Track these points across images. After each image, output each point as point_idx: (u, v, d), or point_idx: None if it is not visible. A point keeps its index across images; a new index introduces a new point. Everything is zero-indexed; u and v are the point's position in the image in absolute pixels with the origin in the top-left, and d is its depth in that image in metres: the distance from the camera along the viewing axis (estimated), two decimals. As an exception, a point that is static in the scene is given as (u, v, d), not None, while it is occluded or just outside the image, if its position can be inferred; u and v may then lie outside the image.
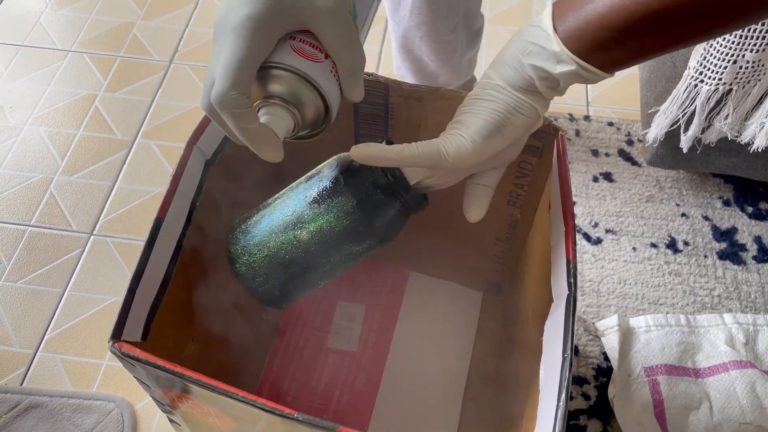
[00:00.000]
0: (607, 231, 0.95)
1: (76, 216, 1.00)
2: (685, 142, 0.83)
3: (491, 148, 0.44)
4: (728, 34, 0.70)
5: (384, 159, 0.45)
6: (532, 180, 0.63)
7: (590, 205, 0.98)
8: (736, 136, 0.81)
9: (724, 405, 0.76)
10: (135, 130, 1.11)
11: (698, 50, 0.74)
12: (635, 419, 0.76)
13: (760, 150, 0.80)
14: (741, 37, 0.69)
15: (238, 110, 0.40)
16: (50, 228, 0.99)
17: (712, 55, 0.72)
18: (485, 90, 0.44)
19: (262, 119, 0.42)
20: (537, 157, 0.60)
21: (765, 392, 0.76)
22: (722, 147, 0.87)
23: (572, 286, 0.46)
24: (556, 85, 0.43)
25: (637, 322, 0.83)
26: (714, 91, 0.75)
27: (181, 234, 0.53)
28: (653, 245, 0.94)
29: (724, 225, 0.95)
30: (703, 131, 0.82)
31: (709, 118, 0.79)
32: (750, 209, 0.97)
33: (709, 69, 0.74)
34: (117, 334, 0.45)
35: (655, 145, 0.89)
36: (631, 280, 0.90)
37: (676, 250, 0.93)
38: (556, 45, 0.41)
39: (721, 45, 0.71)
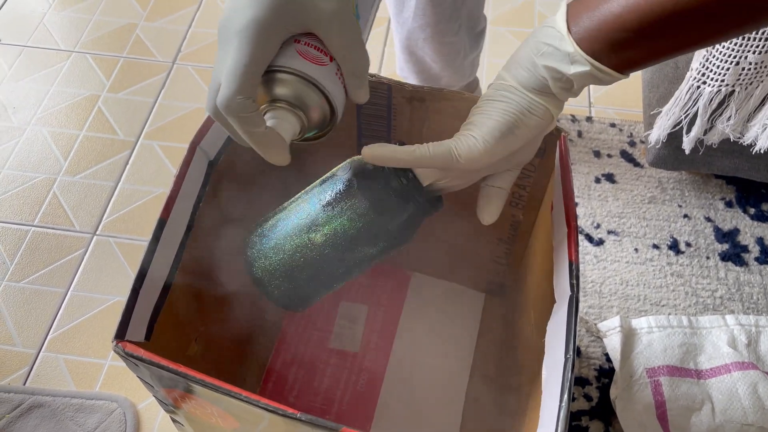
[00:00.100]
0: (609, 232, 0.95)
1: (79, 216, 1.00)
2: (687, 143, 0.83)
3: (503, 149, 0.44)
4: (731, 36, 0.70)
5: (395, 159, 0.45)
6: (535, 181, 0.63)
7: (592, 206, 0.98)
8: (739, 138, 0.81)
9: (726, 406, 0.76)
10: (138, 131, 1.11)
11: (701, 52, 0.74)
12: (637, 420, 0.76)
13: (762, 151, 0.80)
14: (743, 38, 0.70)
15: (245, 114, 0.40)
16: (53, 228, 0.99)
17: (714, 56, 0.72)
18: (498, 91, 0.44)
19: (269, 123, 0.42)
20: (539, 158, 0.60)
21: (767, 393, 0.76)
22: (724, 148, 0.87)
23: (574, 287, 0.46)
24: (570, 86, 0.43)
25: (639, 323, 0.83)
26: (716, 92, 0.75)
27: (185, 235, 0.53)
28: (655, 246, 0.94)
29: (727, 226, 0.95)
30: (705, 133, 0.82)
31: (712, 120, 0.80)
32: (752, 210, 0.97)
33: (711, 71, 0.74)
34: (121, 334, 0.45)
35: (657, 147, 0.89)
36: (633, 281, 0.90)
37: (678, 252, 0.93)
38: (570, 45, 0.41)
39: (723, 47, 0.71)
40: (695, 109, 0.78)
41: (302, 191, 0.51)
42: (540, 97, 0.44)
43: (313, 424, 0.41)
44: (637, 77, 1.12)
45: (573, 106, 1.11)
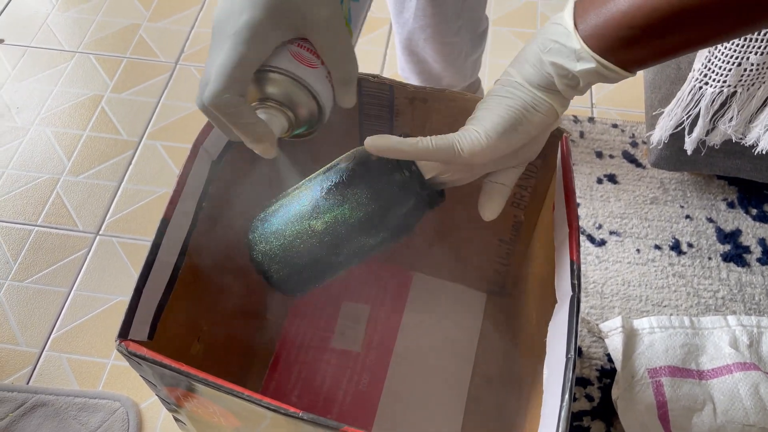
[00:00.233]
0: (611, 233, 0.95)
1: (83, 216, 1.01)
2: (689, 144, 0.83)
3: (506, 145, 0.44)
4: (733, 37, 0.70)
5: (398, 151, 0.45)
6: (536, 181, 0.63)
7: (594, 206, 0.98)
8: (741, 139, 0.81)
9: (727, 407, 0.76)
10: (141, 131, 1.11)
11: (703, 52, 0.74)
12: (639, 421, 0.76)
13: (764, 152, 0.80)
14: (746, 39, 0.70)
15: (232, 110, 0.41)
16: (56, 228, 1.00)
17: (716, 57, 0.73)
18: (504, 87, 0.45)
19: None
20: (541, 159, 0.60)
21: (769, 394, 0.76)
22: (726, 149, 0.87)
23: (576, 288, 0.46)
24: (576, 83, 0.43)
25: (641, 323, 0.83)
26: (718, 93, 0.75)
27: (188, 234, 0.54)
28: (657, 247, 0.94)
29: (729, 227, 0.95)
30: (707, 133, 0.82)
31: (714, 121, 0.80)
32: (754, 211, 0.97)
33: (713, 71, 0.74)
34: (124, 333, 0.45)
35: (659, 147, 0.89)
36: (635, 281, 0.90)
37: (680, 252, 0.93)
38: (576, 42, 0.41)
39: (725, 47, 0.71)
40: (697, 109, 0.78)
41: (305, 179, 0.52)
42: (545, 94, 0.44)
43: (315, 423, 0.41)
44: (639, 78, 1.13)
45: (575, 106, 1.11)
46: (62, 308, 0.91)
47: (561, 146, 0.55)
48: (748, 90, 0.75)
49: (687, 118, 0.80)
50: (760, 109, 0.77)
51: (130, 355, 0.44)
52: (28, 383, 0.85)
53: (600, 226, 0.96)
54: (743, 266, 0.92)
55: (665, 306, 0.88)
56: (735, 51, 0.71)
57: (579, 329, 0.45)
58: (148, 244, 0.50)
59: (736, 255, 0.93)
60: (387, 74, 1.09)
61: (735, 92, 0.75)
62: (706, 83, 0.75)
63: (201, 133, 0.55)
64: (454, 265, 0.82)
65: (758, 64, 0.71)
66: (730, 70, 0.72)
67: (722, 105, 0.77)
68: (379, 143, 0.45)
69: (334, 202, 0.48)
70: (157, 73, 1.20)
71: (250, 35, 0.40)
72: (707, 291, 0.89)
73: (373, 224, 0.48)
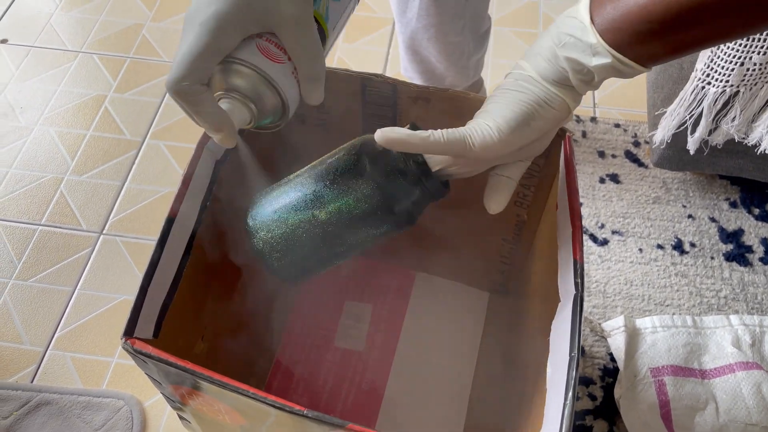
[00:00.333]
0: (614, 232, 0.95)
1: (86, 215, 1.01)
2: (692, 143, 0.83)
3: (518, 139, 0.44)
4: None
5: (408, 144, 0.44)
6: (539, 181, 0.63)
7: (597, 206, 0.98)
8: (743, 138, 0.81)
9: (730, 406, 0.76)
10: (144, 131, 1.12)
11: (705, 52, 0.74)
12: (641, 420, 0.76)
13: (767, 151, 0.80)
14: (748, 39, 0.70)
15: (191, 98, 0.41)
16: (60, 227, 1.00)
17: (719, 57, 0.73)
18: (516, 81, 0.44)
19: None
20: (544, 158, 0.60)
21: (771, 394, 0.76)
22: (729, 149, 0.87)
23: (579, 286, 0.46)
24: (591, 78, 0.43)
25: (644, 323, 0.83)
26: (721, 93, 0.75)
27: (192, 233, 0.54)
28: (660, 246, 0.94)
29: (731, 227, 0.96)
30: (710, 133, 0.82)
31: (716, 120, 0.80)
32: (757, 211, 0.97)
33: (716, 71, 0.74)
34: (129, 331, 0.46)
35: (662, 147, 0.89)
36: (637, 281, 0.90)
37: (682, 252, 0.93)
38: (593, 36, 0.40)
39: (728, 47, 0.71)
40: (700, 109, 0.78)
41: (308, 166, 0.51)
42: (559, 89, 0.43)
43: (319, 421, 0.41)
44: (641, 77, 1.13)
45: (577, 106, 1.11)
46: (66, 307, 0.92)
47: (564, 146, 0.55)
48: (750, 90, 0.75)
49: (689, 118, 0.80)
50: (762, 109, 0.77)
51: (136, 353, 0.45)
52: (32, 382, 0.85)
53: (602, 226, 0.96)
54: (746, 266, 0.92)
55: (668, 305, 0.88)
56: (738, 51, 0.71)
57: (582, 328, 0.45)
58: (152, 244, 0.50)
59: (739, 254, 0.93)
60: (390, 74, 1.09)
61: (738, 92, 0.75)
62: (709, 83, 0.75)
63: (205, 132, 0.55)
64: (457, 265, 0.82)
65: (761, 64, 0.71)
66: (732, 69, 0.72)
67: (725, 104, 0.77)
68: (390, 136, 0.44)
69: (339, 192, 0.47)
70: (160, 73, 1.20)
71: (214, 26, 0.41)
72: (710, 290, 0.89)
73: (377, 215, 0.48)
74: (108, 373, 0.86)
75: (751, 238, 0.94)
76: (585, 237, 0.95)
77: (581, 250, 0.48)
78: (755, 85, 0.74)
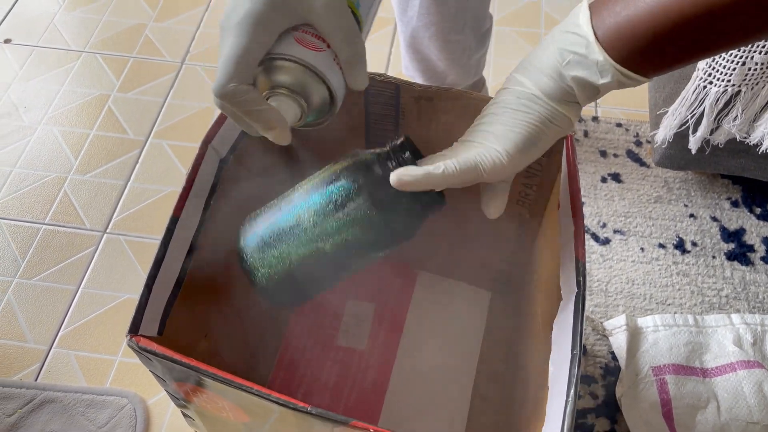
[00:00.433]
0: (616, 231, 0.96)
1: (90, 214, 1.02)
2: (693, 143, 0.83)
3: (526, 160, 0.44)
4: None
5: (428, 185, 0.44)
6: (541, 180, 0.63)
7: (598, 205, 0.98)
8: (745, 138, 0.81)
9: (731, 405, 0.76)
10: (147, 130, 1.12)
11: (707, 52, 0.74)
12: (643, 418, 0.76)
13: (768, 151, 0.80)
14: (750, 38, 0.70)
15: (239, 98, 0.42)
16: (64, 226, 1.00)
17: (721, 56, 0.73)
18: (519, 99, 0.44)
19: None
20: (546, 158, 0.60)
21: (773, 392, 0.77)
22: (731, 148, 0.87)
23: (581, 285, 0.46)
24: (596, 93, 0.43)
25: (645, 321, 0.83)
26: (723, 92, 0.75)
27: (196, 232, 0.54)
28: (661, 246, 0.94)
29: (733, 226, 0.96)
30: (711, 132, 0.82)
31: (718, 120, 0.80)
32: (758, 210, 0.97)
33: (717, 71, 0.74)
34: (134, 329, 0.46)
35: (663, 146, 0.89)
36: (639, 280, 0.91)
37: (684, 251, 0.93)
38: (599, 54, 0.40)
39: (729, 46, 0.71)
40: (701, 109, 0.78)
41: (301, 191, 0.49)
42: (563, 107, 0.43)
43: (323, 418, 0.42)
44: (643, 77, 1.13)
45: (579, 105, 1.11)
46: (70, 306, 0.92)
47: (566, 145, 0.55)
48: (752, 89, 0.75)
49: (691, 117, 0.80)
50: (764, 108, 0.77)
51: (141, 351, 0.45)
52: (36, 380, 0.85)
53: (604, 225, 0.96)
54: (747, 265, 0.92)
55: (669, 304, 0.88)
56: (739, 50, 0.71)
57: (584, 327, 0.45)
58: (155, 242, 0.50)
59: (740, 254, 0.93)
60: (392, 73, 1.09)
61: (739, 91, 0.75)
62: (711, 82, 0.75)
63: (209, 131, 0.55)
64: (459, 264, 0.82)
65: (762, 64, 0.71)
66: (734, 69, 0.72)
67: (726, 104, 0.77)
68: (406, 179, 0.44)
69: (343, 224, 0.46)
70: (163, 73, 1.21)
71: (250, 25, 0.41)
72: (711, 289, 0.90)
73: (383, 237, 0.48)
74: (111, 371, 0.86)
75: (752, 238, 0.94)
76: (587, 236, 0.95)
77: (583, 249, 0.48)
78: (757, 84, 0.74)
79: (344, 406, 0.77)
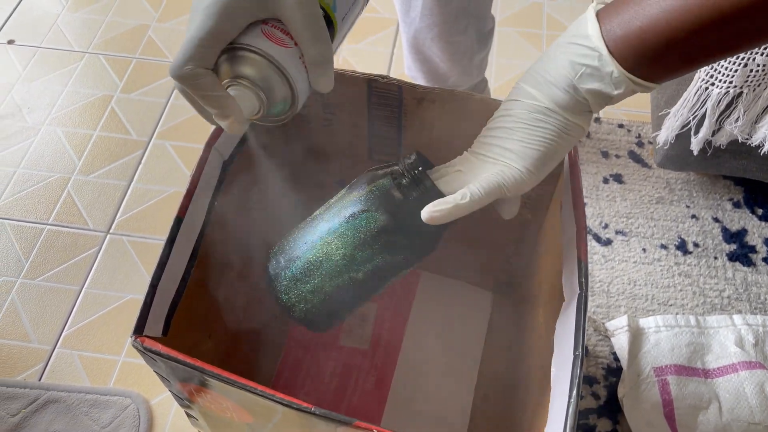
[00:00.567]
0: (617, 232, 0.96)
1: (93, 215, 1.02)
2: (695, 144, 0.84)
3: (545, 173, 0.45)
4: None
5: (458, 215, 0.45)
6: (544, 181, 0.63)
7: (600, 206, 0.98)
8: (747, 139, 0.81)
9: (733, 405, 0.76)
10: (150, 131, 1.13)
11: (709, 53, 0.74)
12: (645, 419, 0.76)
13: (770, 152, 0.80)
14: (751, 40, 0.70)
15: (194, 81, 0.41)
16: (67, 227, 1.01)
17: (722, 58, 0.73)
18: (533, 114, 0.44)
19: None
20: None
21: (774, 393, 0.77)
22: (732, 149, 0.88)
23: (583, 285, 0.46)
24: (608, 101, 0.43)
25: (647, 322, 0.84)
26: (724, 94, 0.76)
27: (200, 233, 0.54)
28: (663, 246, 0.94)
29: (734, 227, 0.96)
30: (713, 134, 0.82)
31: (720, 121, 0.80)
32: (760, 211, 0.97)
33: (719, 72, 0.74)
34: (139, 330, 0.46)
35: (665, 147, 0.89)
36: (641, 280, 0.91)
37: (686, 252, 0.94)
38: (612, 66, 0.40)
39: (731, 48, 0.72)
40: (703, 110, 0.79)
41: (323, 220, 0.50)
42: (578, 118, 0.44)
43: (327, 418, 0.42)
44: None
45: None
46: (73, 306, 0.92)
47: (568, 146, 0.55)
48: (754, 90, 0.75)
49: (693, 119, 0.80)
50: (766, 110, 0.78)
51: (145, 351, 0.45)
52: (40, 380, 0.86)
53: (606, 226, 0.96)
54: (749, 266, 0.92)
55: (671, 305, 0.88)
56: (741, 52, 0.71)
57: (586, 327, 0.46)
58: (158, 243, 0.51)
59: (742, 254, 0.93)
60: (394, 74, 1.10)
61: (741, 93, 0.76)
62: (712, 84, 0.76)
63: (213, 133, 0.56)
64: (461, 264, 0.83)
65: (764, 65, 0.71)
66: (736, 71, 0.73)
67: (728, 105, 0.78)
68: (437, 216, 0.45)
69: (373, 252, 0.49)
70: (166, 74, 1.21)
71: (217, 10, 0.41)
72: (713, 290, 0.90)
73: (412, 257, 0.50)
74: (115, 371, 0.86)
75: (754, 238, 0.95)
76: (588, 237, 0.95)
77: (585, 250, 0.48)
78: (758, 86, 0.74)
79: (347, 406, 0.77)
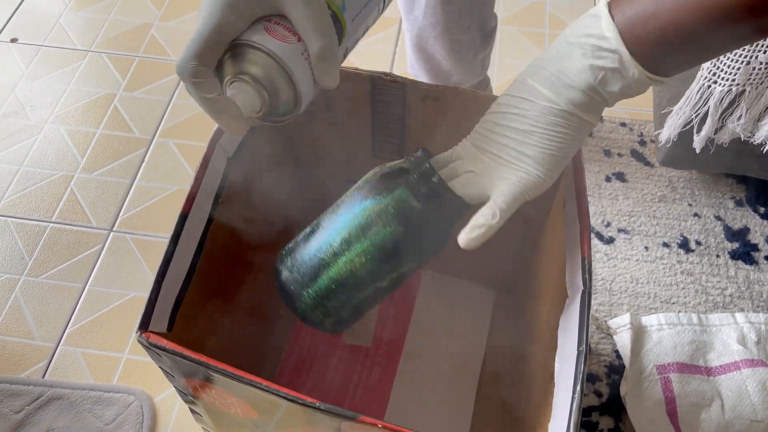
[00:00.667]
0: (620, 230, 0.96)
1: (96, 213, 1.02)
2: (698, 142, 0.84)
3: (560, 173, 0.46)
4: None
5: (492, 233, 0.46)
6: (547, 179, 0.64)
7: (603, 204, 0.98)
8: (749, 137, 0.81)
9: (735, 403, 0.76)
10: (153, 129, 1.13)
11: (712, 51, 0.74)
12: (647, 416, 0.76)
13: (773, 150, 0.80)
14: (754, 38, 0.70)
15: (197, 80, 0.41)
16: (71, 224, 1.01)
17: (725, 56, 0.73)
18: (549, 117, 0.43)
19: (229, 93, 0.43)
20: (551, 156, 0.61)
21: (777, 391, 0.77)
22: (735, 148, 0.88)
23: (587, 282, 0.47)
24: (627, 97, 0.43)
25: (650, 320, 0.84)
26: (727, 92, 0.76)
27: (205, 228, 0.55)
28: (665, 245, 0.94)
29: (737, 225, 0.96)
30: (716, 132, 0.82)
31: (722, 119, 0.80)
32: (762, 209, 0.97)
33: (722, 70, 0.74)
34: (145, 325, 0.46)
35: (668, 146, 0.89)
36: (643, 279, 0.91)
37: (688, 250, 0.94)
38: (634, 68, 0.40)
39: (734, 46, 0.72)
40: (706, 108, 0.79)
41: (341, 234, 0.50)
42: (592, 115, 0.44)
43: (332, 413, 0.42)
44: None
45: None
46: (77, 303, 0.93)
47: (572, 144, 0.55)
48: (756, 89, 0.75)
49: (696, 117, 0.80)
50: (768, 108, 0.78)
51: (151, 347, 0.45)
52: (43, 377, 0.86)
53: (608, 224, 0.96)
54: (751, 264, 0.92)
55: (673, 303, 0.89)
56: (744, 50, 0.71)
57: (589, 324, 0.46)
58: (161, 240, 0.51)
59: (744, 253, 0.93)
60: (396, 73, 1.10)
61: (744, 91, 0.76)
62: (715, 82, 0.76)
63: (217, 130, 0.56)
64: (464, 262, 0.83)
65: (767, 63, 0.72)
66: (738, 68, 0.73)
67: (731, 103, 0.78)
68: (476, 238, 0.46)
69: (398, 262, 0.50)
70: (168, 72, 1.21)
71: (221, 6, 0.41)
72: (715, 288, 0.90)
73: (430, 256, 0.51)
74: (118, 368, 0.87)
75: (756, 237, 0.95)
76: (591, 235, 0.95)
77: (589, 247, 0.49)
78: (761, 84, 0.74)
79: (349, 403, 0.77)
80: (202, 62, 0.41)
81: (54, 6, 1.35)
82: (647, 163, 1.03)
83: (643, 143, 1.05)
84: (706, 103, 0.78)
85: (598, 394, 0.81)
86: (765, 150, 0.81)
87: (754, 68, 0.72)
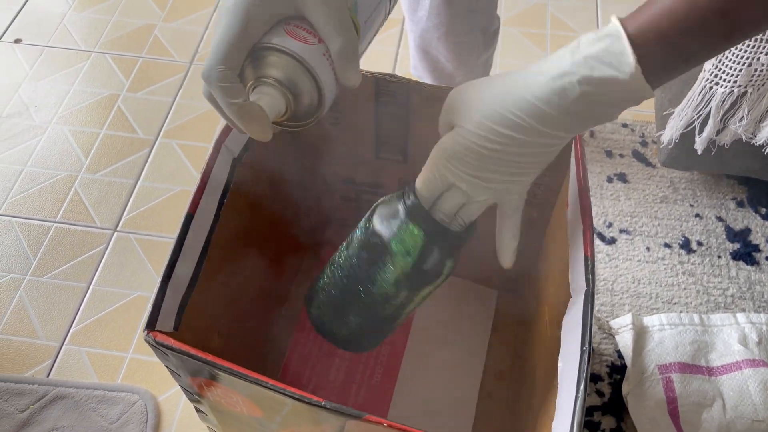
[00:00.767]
0: (622, 231, 0.96)
1: (100, 213, 1.03)
2: (699, 143, 0.84)
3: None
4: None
5: (516, 249, 0.52)
6: (549, 179, 0.64)
7: (604, 205, 0.99)
8: (751, 138, 0.82)
9: (737, 403, 0.77)
10: (157, 130, 1.13)
11: (713, 53, 0.75)
12: (649, 416, 0.77)
13: (774, 151, 0.81)
14: (756, 40, 0.70)
15: (224, 84, 0.41)
16: (75, 224, 1.02)
17: (727, 57, 0.73)
18: (544, 144, 0.45)
19: (253, 97, 0.43)
20: (555, 158, 0.61)
21: (778, 391, 0.77)
22: (736, 149, 0.88)
23: (590, 282, 0.47)
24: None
25: (651, 320, 0.84)
26: (729, 93, 0.76)
27: (210, 228, 0.55)
28: (667, 245, 0.95)
29: (738, 226, 0.96)
30: (717, 133, 0.83)
31: (724, 120, 0.80)
32: (764, 210, 0.98)
33: (724, 71, 0.74)
34: (151, 324, 0.47)
35: (669, 147, 0.90)
36: (645, 279, 0.91)
37: (689, 251, 0.94)
38: (644, 89, 0.41)
39: (736, 48, 0.72)
40: (708, 109, 0.79)
41: (362, 281, 0.52)
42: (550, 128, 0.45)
43: (337, 412, 0.42)
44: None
45: (585, 106, 1.12)
46: (81, 303, 0.93)
47: (575, 145, 0.56)
48: (758, 90, 0.75)
49: (697, 118, 0.81)
50: (770, 109, 0.78)
51: (157, 345, 0.46)
52: (48, 376, 0.86)
53: (610, 225, 0.97)
54: (752, 264, 0.92)
55: (675, 303, 0.89)
56: (745, 51, 0.72)
57: (593, 324, 0.46)
58: (165, 241, 0.51)
59: (746, 253, 0.93)
60: (399, 74, 1.10)
61: (745, 92, 0.76)
62: (717, 83, 0.76)
63: (223, 130, 0.56)
64: (466, 262, 0.82)
65: (769, 65, 0.72)
66: (740, 70, 0.73)
67: (732, 105, 0.78)
68: (512, 256, 0.53)
69: (419, 292, 0.54)
70: (172, 73, 1.22)
71: (242, 10, 0.41)
72: (717, 289, 0.90)
73: (443, 280, 0.55)
74: (123, 367, 0.87)
75: (757, 237, 0.95)
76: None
77: (592, 247, 0.49)
78: (763, 85, 0.75)
79: (352, 404, 0.77)
80: (228, 66, 0.41)
81: (58, 7, 1.35)
82: (649, 164, 1.03)
83: (644, 144, 1.05)
84: (708, 104, 0.78)
85: (600, 394, 0.82)
86: (766, 151, 0.81)
87: (756, 69, 0.73)
